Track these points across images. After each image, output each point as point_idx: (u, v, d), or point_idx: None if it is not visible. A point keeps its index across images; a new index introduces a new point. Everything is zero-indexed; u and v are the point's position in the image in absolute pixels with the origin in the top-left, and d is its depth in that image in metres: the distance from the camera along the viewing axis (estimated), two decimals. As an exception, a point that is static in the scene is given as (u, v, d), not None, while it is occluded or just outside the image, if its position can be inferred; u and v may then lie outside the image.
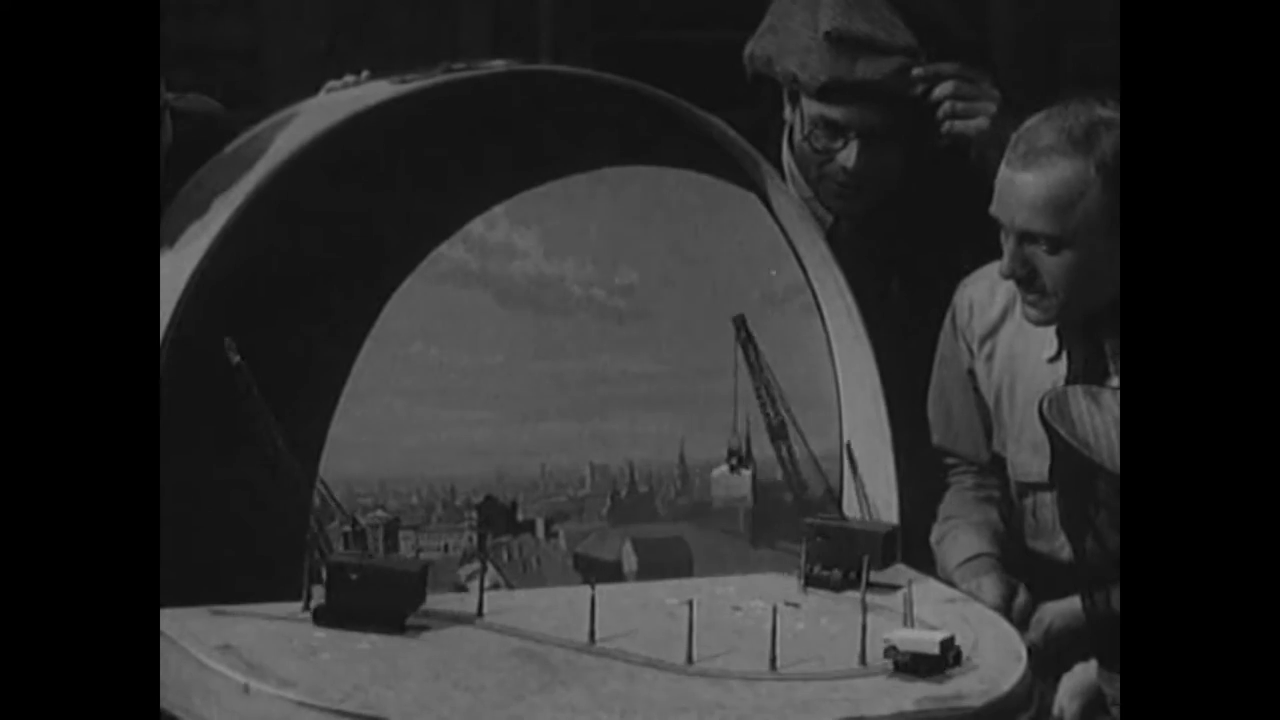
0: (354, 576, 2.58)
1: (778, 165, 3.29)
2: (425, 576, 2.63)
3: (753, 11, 3.40)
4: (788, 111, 3.36)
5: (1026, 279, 2.97)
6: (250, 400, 2.71)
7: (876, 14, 3.26)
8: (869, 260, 3.31)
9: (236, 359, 2.71)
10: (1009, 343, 3.14)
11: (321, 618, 2.58)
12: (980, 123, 3.24)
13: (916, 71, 3.25)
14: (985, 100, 3.25)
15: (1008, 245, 2.96)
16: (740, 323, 3.04)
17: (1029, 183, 2.92)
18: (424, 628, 2.59)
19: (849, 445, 3.07)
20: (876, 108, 3.25)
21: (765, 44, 3.32)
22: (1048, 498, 3.08)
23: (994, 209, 2.97)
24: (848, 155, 3.27)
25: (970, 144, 3.25)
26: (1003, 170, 2.96)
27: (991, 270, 3.12)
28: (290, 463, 2.74)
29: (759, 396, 3.03)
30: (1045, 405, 2.75)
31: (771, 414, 3.04)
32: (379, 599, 2.57)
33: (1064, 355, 3.05)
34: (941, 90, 3.25)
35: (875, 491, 3.05)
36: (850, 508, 3.05)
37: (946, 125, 3.25)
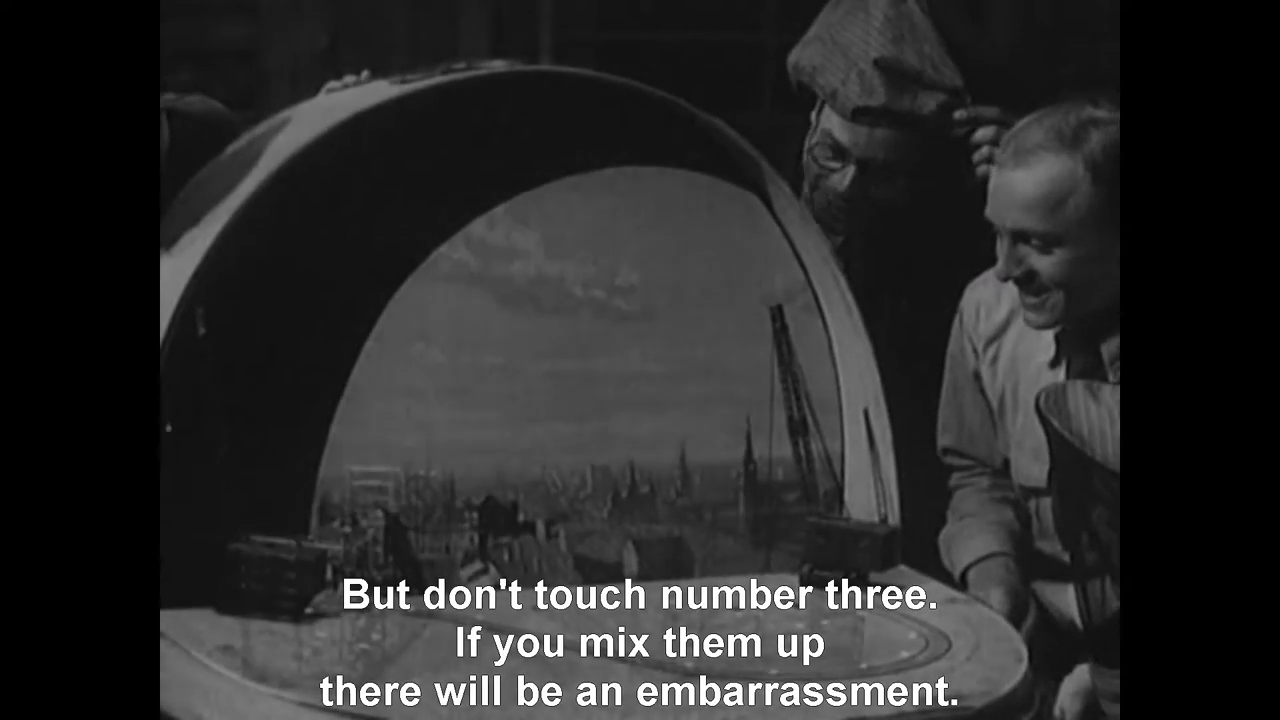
0: (251, 564, 2.58)
1: (789, 165, 3.30)
2: (323, 563, 2.63)
3: (753, 11, 3.40)
4: (814, 115, 3.37)
5: (1024, 280, 2.97)
6: (207, 374, 2.68)
7: (929, 49, 3.27)
8: (876, 270, 3.31)
9: (203, 330, 2.68)
10: (1013, 346, 3.13)
11: (223, 607, 2.57)
12: None
13: (959, 114, 3.26)
14: None
15: (1002, 246, 2.96)
16: (777, 313, 3.04)
17: (1018, 181, 2.92)
18: (424, 628, 2.60)
19: (870, 431, 3.05)
20: (903, 140, 3.26)
21: (811, 54, 3.33)
22: (1050, 502, 3.07)
23: (988, 212, 2.97)
24: (841, 179, 3.29)
25: None
26: (994, 172, 2.97)
27: (998, 273, 3.13)
28: (224, 449, 2.70)
29: (785, 389, 3.02)
30: (1043, 399, 2.75)
31: (794, 409, 3.03)
32: (277, 586, 2.58)
33: (1063, 361, 3.05)
34: (982, 134, 3.26)
35: (868, 491, 3.05)
36: (863, 503, 3.04)
37: (982, 168, 3.26)
